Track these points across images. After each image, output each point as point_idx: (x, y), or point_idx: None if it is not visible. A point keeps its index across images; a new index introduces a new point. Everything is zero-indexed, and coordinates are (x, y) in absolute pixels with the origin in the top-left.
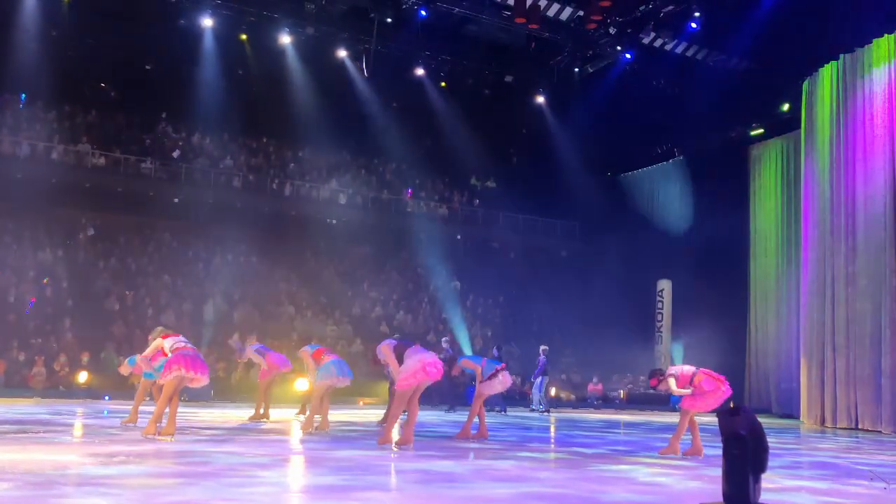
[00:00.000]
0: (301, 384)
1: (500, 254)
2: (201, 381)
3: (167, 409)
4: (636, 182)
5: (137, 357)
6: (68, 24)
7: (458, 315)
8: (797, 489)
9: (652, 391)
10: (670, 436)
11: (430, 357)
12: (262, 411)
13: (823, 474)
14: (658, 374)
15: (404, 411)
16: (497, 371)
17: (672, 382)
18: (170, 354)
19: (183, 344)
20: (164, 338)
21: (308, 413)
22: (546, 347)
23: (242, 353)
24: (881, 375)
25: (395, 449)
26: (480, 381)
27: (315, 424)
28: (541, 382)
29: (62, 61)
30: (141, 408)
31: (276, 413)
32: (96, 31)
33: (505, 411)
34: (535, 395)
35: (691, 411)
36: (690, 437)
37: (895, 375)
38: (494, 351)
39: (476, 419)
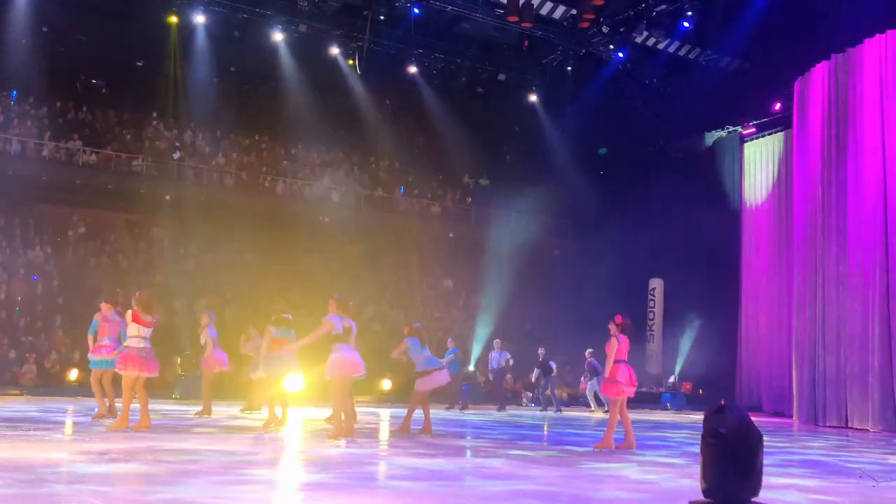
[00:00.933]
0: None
1: (492, 252)
2: (150, 375)
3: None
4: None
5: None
6: (59, 20)
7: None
8: (787, 487)
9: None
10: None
11: (355, 355)
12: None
13: (813, 472)
14: (622, 327)
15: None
16: (434, 370)
17: (615, 343)
18: (123, 347)
19: (136, 343)
20: (133, 320)
21: (268, 412)
22: (591, 350)
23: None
24: (870, 374)
25: (342, 442)
26: (418, 377)
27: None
28: (596, 382)
29: (53, 57)
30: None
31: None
32: (88, 28)
33: (560, 410)
34: (590, 396)
35: (616, 399)
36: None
37: (884, 374)
38: (540, 350)
39: (421, 414)
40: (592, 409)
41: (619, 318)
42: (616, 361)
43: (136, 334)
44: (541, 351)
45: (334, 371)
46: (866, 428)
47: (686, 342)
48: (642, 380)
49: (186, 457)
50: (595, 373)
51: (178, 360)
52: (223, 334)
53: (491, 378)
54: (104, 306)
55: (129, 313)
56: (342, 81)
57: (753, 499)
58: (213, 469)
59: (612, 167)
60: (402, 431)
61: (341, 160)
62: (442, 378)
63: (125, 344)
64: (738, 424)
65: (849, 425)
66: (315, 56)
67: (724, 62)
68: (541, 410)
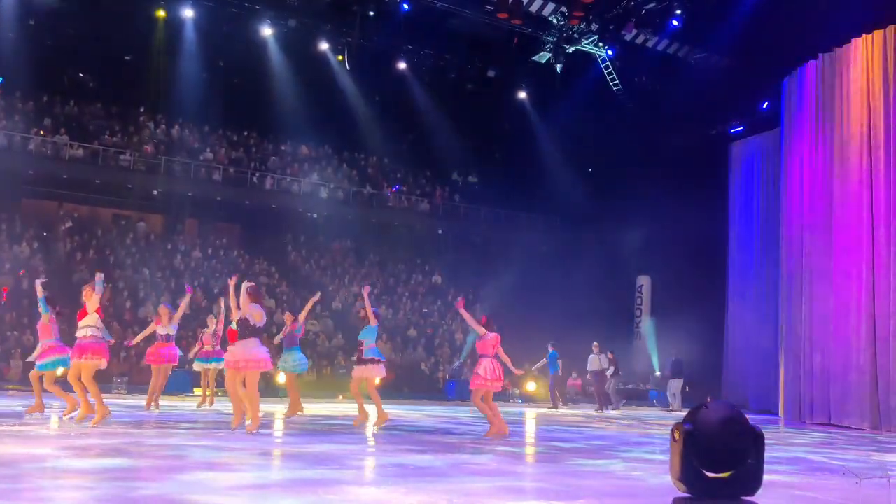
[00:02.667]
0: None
1: (481, 248)
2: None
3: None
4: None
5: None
6: (46, 13)
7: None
8: (771, 484)
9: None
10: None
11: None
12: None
13: (798, 469)
14: (488, 325)
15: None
16: (368, 360)
17: (477, 330)
18: (84, 338)
19: (96, 333)
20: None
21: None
22: (676, 351)
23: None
24: (855, 371)
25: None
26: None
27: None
28: (678, 384)
29: (40, 51)
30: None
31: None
32: (75, 21)
33: (618, 408)
34: (671, 395)
35: (477, 390)
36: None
37: (869, 371)
38: (606, 354)
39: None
40: (672, 406)
41: (483, 319)
42: (482, 356)
43: (94, 324)
44: (608, 351)
45: (260, 364)
46: (851, 425)
47: (672, 339)
48: (630, 377)
49: (172, 452)
50: (679, 373)
51: None
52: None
53: (590, 380)
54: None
55: (91, 306)
56: (331, 77)
57: (744, 497)
58: (198, 465)
59: (600, 165)
60: (380, 422)
61: (330, 156)
62: (369, 371)
63: (82, 335)
64: (711, 421)
65: (834, 422)
66: (304, 51)
67: (712, 61)
68: (600, 410)
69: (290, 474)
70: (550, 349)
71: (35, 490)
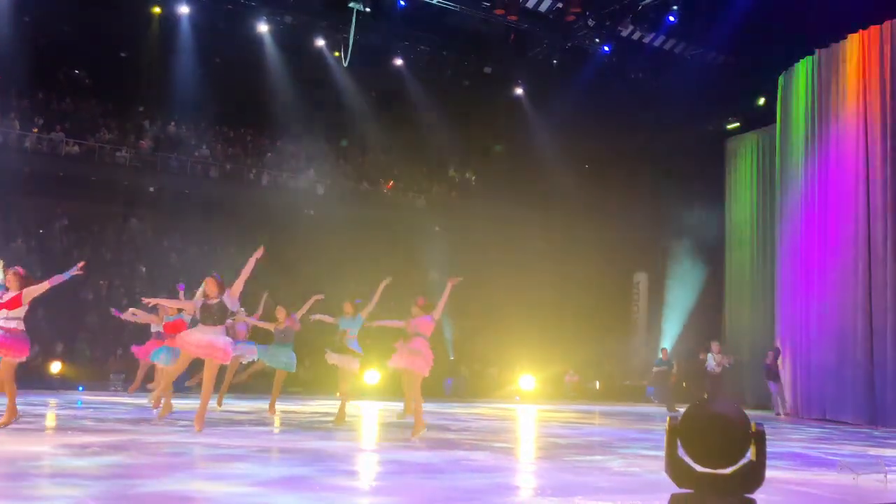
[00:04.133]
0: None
1: (478, 245)
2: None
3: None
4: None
5: None
6: (41, 10)
7: None
8: (768, 479)
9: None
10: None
11: (209, 336)
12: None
13: (794, 464)
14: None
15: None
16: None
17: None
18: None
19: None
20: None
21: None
22: (772, 351)
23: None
24: (852, 367)
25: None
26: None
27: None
28: (773, 385)
29: (35, 48)
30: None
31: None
32: (70, 18)
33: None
34: (778, 398)
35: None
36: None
37: (865, 367)
38: (661, 356)
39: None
40: (780, 413)
41: (421, 301)
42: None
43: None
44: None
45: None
46: (848, 421)
47: (670, 336)
48: (627, 373)
49: (170, 449)
50: (775, 375)
51: None
52: None
53: (708, 383)
54: None
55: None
56: (327, 73)
57: (745, 494)
58: (197, 462)
59: (597, 161)
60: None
61: (326, 152)
62: (339, 360)
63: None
64: (702, 416)
65: (830, 418)
66: (300, 47)
67: (709, 57)
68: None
69: (288, 471)
70: (661, 356)
71: (34, 488)
